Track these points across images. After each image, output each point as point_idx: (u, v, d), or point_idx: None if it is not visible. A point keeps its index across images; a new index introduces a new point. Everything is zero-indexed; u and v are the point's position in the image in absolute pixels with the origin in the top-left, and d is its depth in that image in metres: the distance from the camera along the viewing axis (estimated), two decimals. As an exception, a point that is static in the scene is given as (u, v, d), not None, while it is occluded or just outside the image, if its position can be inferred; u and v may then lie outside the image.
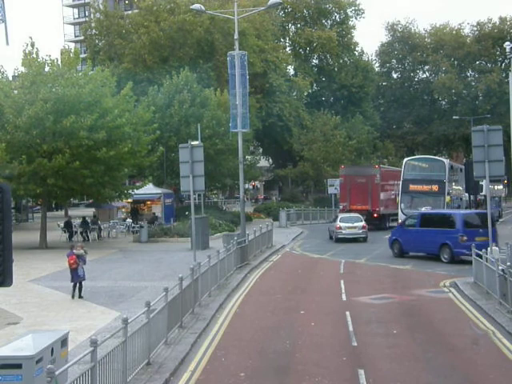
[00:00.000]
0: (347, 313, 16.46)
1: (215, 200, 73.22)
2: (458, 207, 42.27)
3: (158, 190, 43.68)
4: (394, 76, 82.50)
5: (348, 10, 76.48)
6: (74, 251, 18.98)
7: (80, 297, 18.77)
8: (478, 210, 35.79)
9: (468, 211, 34.10)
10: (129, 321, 10.51)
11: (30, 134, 31.35)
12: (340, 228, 36.88)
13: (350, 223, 37.10)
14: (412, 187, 41.24)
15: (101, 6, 65.46)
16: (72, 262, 18.63)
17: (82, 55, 58.66)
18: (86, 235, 37.69)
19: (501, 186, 56.31)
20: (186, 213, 37.87)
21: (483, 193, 39.94)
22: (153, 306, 12.06)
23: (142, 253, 31.01)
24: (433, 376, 11.50)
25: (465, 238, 26.55)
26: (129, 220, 42.70)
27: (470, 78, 79.66)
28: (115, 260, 28.53)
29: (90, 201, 41.80)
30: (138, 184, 42.41)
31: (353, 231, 36.84)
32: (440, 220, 29.53)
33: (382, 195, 44.77)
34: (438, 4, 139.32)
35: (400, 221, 35.34)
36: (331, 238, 38.50)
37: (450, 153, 79.78)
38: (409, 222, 30.52)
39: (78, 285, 18.80)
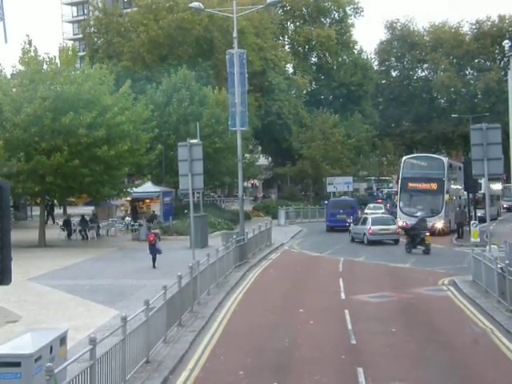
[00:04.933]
0: (346, 311, 16.47)
1: (216, 198, 73.15)
2: (460, 206, 42.29)
3: (157, 189, 43.63)
4: (393, 74, 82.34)
5: (347, 9, 76.37)
6: (152, 231, 25.37)
7: (154, 267, 23.84)
8: (342, 198, 50.93)
9: (335, 199, 50.10)
10: (128, 319, 10.51)
11: (28, 132, 31.30)
12: None
13: None
14: (411, 185, 41.22)
15: (100, 4, 65.42)
16: (152, 238, 24.21)
17: (81, 53, 58.62)
18: (84, 233, 37.65)
19: (499, 185, 56.30)
20: (185, 211, 37.84)
21: (482, 191, 39.90)
22: (152, 304, 12.06)
23: (140, 251, 30.91)
24: (431, 374, 11.52)
25: (329, 215, 44.04)
26: (128, 218, 42.67)
27: (469, 76, 79.56)
28: (114, 258, 28.54)
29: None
30: (136, 182, 42.41)
31: None
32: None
33: None
34: (438, 2, 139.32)
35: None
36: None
37: (448, 151, 79.63)
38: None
39: (154, 257, 24.07)
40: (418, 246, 30.26)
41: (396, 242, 34.24)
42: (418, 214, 35.06)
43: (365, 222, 35.43)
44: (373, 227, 34.13)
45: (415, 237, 30.39)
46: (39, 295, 19.21)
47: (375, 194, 78.65)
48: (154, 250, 24.37)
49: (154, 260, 24.37)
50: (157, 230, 26.06)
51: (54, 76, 32.92)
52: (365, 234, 34.61)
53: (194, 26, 54.77)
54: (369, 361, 12.25)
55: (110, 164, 32.90)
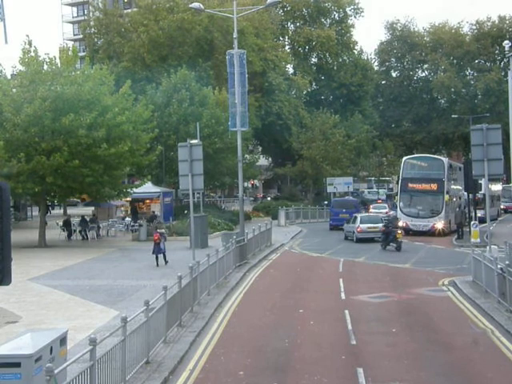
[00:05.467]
0: (346, 311, 16.46)
1: (216, 199, 73.13)
2: (459, 206, 42.35)
3: (157, 189, 43.66)
4: (393, 75, 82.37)
5: (347, 9, 76.44)
6: (158, 230, 25.86)
7: (166, 262, 24.93)
8: (345, 198, 52.86)
9: (338, 199, 52.50)
10: (128, 319, 10.51)
11: (28, 133, 31.31)
12: None
13: None
14: (411, 186, 41.22)
15: (100, 5, 65.50)
16: (156, 238, 24.92)
17: (81, 54, 58.64)
18: (84, 234, 37.65)
19: (499, 186, 56.32)
20: (185, 211, 37.84)
21: (482, 191, 39.92)
22: (152, 304, 12.05)
23: (140, 251, 30.95)
24: (431, 374, 11.51)
25: (332, 214, 45.26)
26: (128, 219, 42.68)
27: (469, 76, 79.59)
28: (114, 259, 28.53)
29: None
30: (136, 183, 42.39)
31: None
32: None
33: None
34: (438, 3, 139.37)
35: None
36: None
37: (449, 152, 79.65)
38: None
39: (159, 256, 24.95)
40: (391, 244, 31.66)
41: None
42: (391, 213, 36.31)
43: (355, 220, 36.60)
44: (361, 225, 35.62)
45: (388, 235, 31.87)
46: (39, 295, 19.20)
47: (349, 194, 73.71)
48: (157, 250, 25.09)
49: (157, 258, 25.14)
50: (162, 230, 27.00)
51: (54, 76, 32.91)
52: (354, 231, 36.10)
53: (194, 27, 54.79)
54: (369, 361, 12.25)
55: (110, 164, 32.92)
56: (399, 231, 32.13)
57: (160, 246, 24.98)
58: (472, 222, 34.37)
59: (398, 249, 31.26)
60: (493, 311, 16.22)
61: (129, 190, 37.15)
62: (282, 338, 13.96)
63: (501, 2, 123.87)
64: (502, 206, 58.65)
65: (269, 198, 74.56)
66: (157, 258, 25.11)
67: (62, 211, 59.61)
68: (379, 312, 17.06)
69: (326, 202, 58.54)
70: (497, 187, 53.63)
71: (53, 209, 64.86)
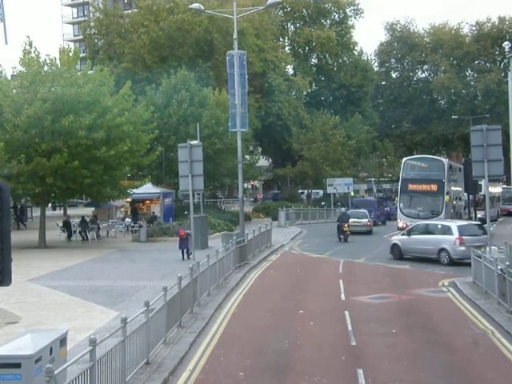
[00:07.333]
0: (346, 312, 16.46)
1: (216, 200, 73.13)
2: (454, 208, 42.36)
3: (157, 190, 43.66)
4: (393, 75, 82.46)
5: (347, 10, 76.54)
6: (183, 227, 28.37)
7: (188, 258, 26.14)
8: (364, 198, 58.58)
9: (358, 198, 56.60)
10: (128, 320, 10.50)
11: (28, 134, 31.33)
12: None
13: None
14: (411, 187, 41.21)
15: (100, 5, 65.57)
16: (182, 233, 26.87)
17: (82, 55, 58.66)
18: (84, 235, 37.66)
19: (499, 188, 56.32)
20: (185, 212, 37.84)
21: (482, 192, 39.97)
22: (152, 305, 12.05)
23: (140, 252, 31.00)
24: (431, 375, 11.51)
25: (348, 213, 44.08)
26: (128, 219, 42.68)
27: (469, 77, 79.65)
28: (114, 259, 28.52)
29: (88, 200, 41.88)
30: (136, 184, 42.40)
31: None
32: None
33: None
34: (438, 3, 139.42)
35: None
36: None
37: (449, 152, 79.67)
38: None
39: (185, 250, 26.65)
40: (341, 235, 36.79)
41: (368, 232, 40.54)
42: (343, 209, 39.11)
43: None
44: None
45: (339, 228, 37.12)
46: (39, 296, 19.19)
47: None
48: (182, 245, 26.87)
49: (182, 253, 26.78)
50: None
51: (55, 78, 32.92)
52: None
53: (194, 28, 54.84)
54: (369, 362, 12.24)
55: (110, 164, 32.93)
56: (346, 225, 36.83)
57: (186, 242, 26.52)
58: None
59: (345, 240, 36.34)
60: (493, 312, 16.22)
61: (128, 191, 37.15)
62: (282, 339, 13.96)
63: (501, 3, 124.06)
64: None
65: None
66: (183, 252, 26.68)
67: (62, 212, 59.58)
68: (379, 313, 17.06)
69: (323, 203, 58.72)
70: (496, 189, 53.65)
71: (54, 209, 64.93)
